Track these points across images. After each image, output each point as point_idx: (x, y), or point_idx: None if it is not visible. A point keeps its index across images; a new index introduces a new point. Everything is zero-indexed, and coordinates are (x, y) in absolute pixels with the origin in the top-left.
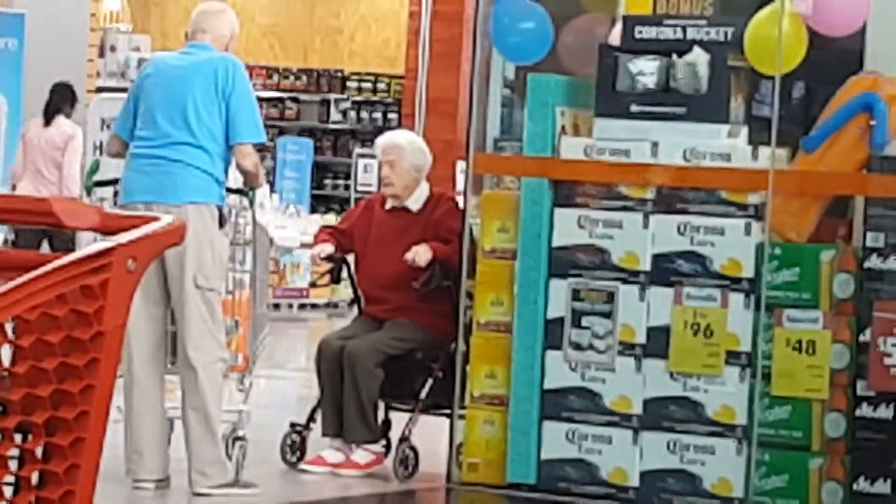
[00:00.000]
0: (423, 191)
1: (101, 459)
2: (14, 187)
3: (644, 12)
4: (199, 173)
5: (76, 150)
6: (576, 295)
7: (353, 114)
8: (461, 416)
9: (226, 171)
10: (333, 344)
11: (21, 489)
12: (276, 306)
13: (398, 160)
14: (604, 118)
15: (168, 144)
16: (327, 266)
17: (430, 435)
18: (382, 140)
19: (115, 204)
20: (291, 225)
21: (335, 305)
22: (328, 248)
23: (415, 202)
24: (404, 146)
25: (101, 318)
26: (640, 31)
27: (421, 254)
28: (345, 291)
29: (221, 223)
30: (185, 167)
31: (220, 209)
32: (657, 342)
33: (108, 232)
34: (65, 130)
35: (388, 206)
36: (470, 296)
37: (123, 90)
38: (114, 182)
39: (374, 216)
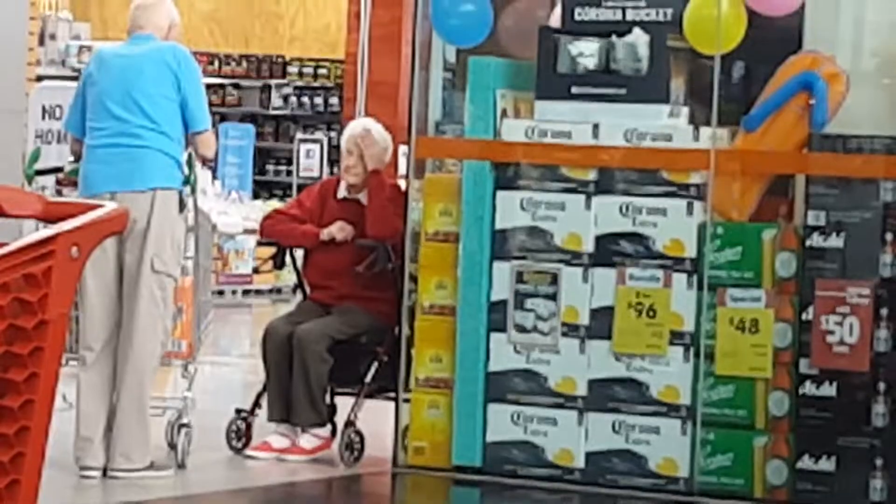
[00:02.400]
0: None
1: (48, 447)
2: None
3: None
4: (163, 156)
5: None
6: (519, 277)
7: (294, 99)
8: (406, 400)
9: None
10: (280, 329)
11: None
12: (220, 293)
13: (368, 153)
14: (545, 100)
15: (127, 131)
16: (270, 252)
17: (376, 419)
18: (358, 129)
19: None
20: (234, 211)
21: (279, 291)
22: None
23: (365, 195)
24: (378, 141)
25: (44, 306)
26: (580, 13)
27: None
28: (289, 277)
29: (181, 208)
30: (148, 151)
31: (180, 194)
32: (601, 323)
33: (50, 220)
34: None
35: (340, 194)
36: (414, 279)
37: (64, 78)
38: (55, 170)
39: (327, 204)
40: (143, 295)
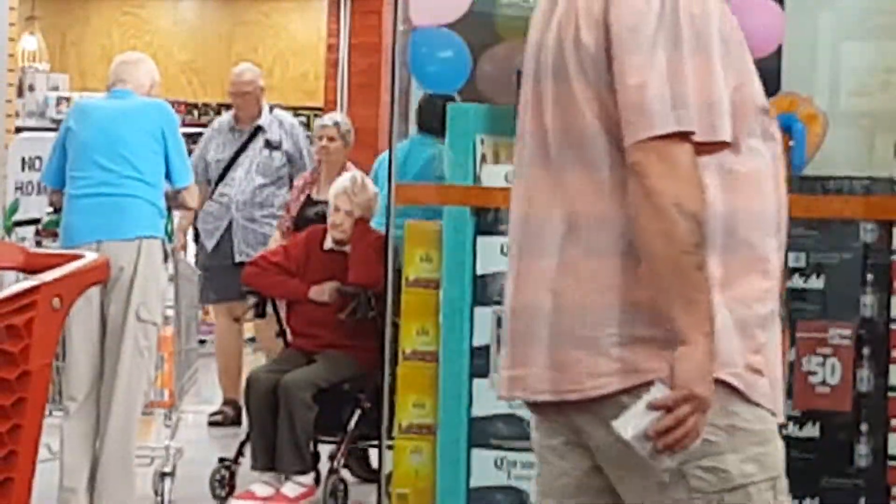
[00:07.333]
0: None
1: (32, 499)
2: None
3: None
4: (147, 205)
5: None
6: (501, 322)
7: None
8: (389, 447)
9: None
10: (264, 378)
11: None
12: (202, 341)
13: (356, 200)
14: None
15: (111, 181)
16: (252, 301)
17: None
18: (346, 182)
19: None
20: None
21: None
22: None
23: (351, 246)
24: (368, 188)
25: (27, 357)
26: None
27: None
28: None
29: (165, 257)
30: (133, 200)
31: (164, 243)
32: None
33: (31, 270)
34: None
35: (326, 245)
36: (395, 326)
37: (43, 129)
38: (34, 221)
39: (312, 255)
40: (127, 344)
